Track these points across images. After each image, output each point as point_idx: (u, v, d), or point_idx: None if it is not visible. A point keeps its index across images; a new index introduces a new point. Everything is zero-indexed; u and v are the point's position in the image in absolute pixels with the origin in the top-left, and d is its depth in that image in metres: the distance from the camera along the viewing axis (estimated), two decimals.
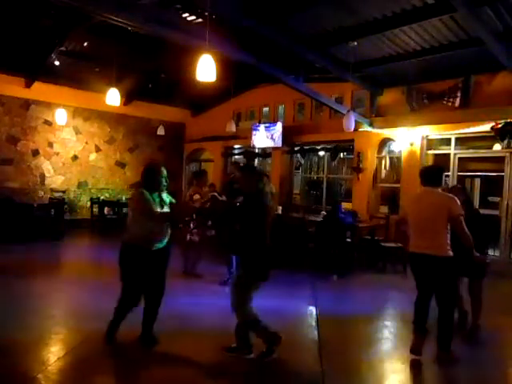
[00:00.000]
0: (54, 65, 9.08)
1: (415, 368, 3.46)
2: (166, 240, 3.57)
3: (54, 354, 3.44)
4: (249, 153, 11.47)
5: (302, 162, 10.96)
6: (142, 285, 3.51)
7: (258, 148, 10.92)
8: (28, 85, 9.96)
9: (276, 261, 3.51)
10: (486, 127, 6.95)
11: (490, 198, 7.78)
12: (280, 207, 9.05)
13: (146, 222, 3.41)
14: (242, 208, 3.47)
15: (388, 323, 4.59)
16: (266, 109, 11.26)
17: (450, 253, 3.51)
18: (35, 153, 10.42)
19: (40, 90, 10.06)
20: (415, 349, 3.56)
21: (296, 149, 10.50)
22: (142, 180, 3.55)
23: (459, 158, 7.66)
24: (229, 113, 11.61)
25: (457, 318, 4.10)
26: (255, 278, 3.34)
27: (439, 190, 3.67)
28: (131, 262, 3.45)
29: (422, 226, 3.61)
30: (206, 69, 4.62)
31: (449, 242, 3.53)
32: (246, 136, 10.84)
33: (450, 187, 4.97)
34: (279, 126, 10.08)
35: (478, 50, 6.23)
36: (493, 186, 7.65)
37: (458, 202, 3.53)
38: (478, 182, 8.22)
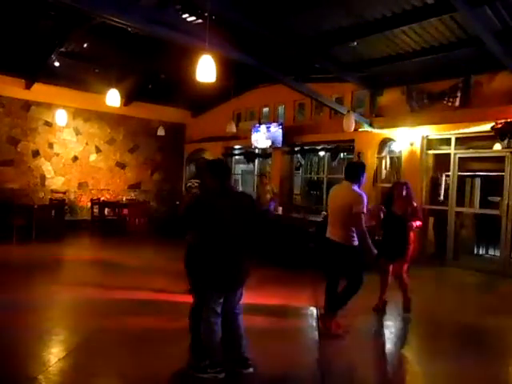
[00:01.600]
0: (54, 66, 9.08)
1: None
2: None
3: (55, 355, 3.44)
4: (249, 153, 11.48)
5: (303, 162, 10.96)
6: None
7: (259, 148, 10.92)
8: (28, 86, 9.96)
9: (239, 273, 2.96)
10: (486, 127, 6.95)
11: (491, 198, 7.78)
12: (280, 207, 9.05)
13: None
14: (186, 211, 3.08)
15: (389, 323, 4.59)
16: (266, 109, 11.26)
17: (354, 243, 3.90)
18: (35, 154, 10.43)
19: (40, 91, 10.07)
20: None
21: (296, 149, 10.50)
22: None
23: (459, 158, 7.65)
24: (229, 113, 11.63)
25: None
26: (209, 288, 2.94)
27: (352, 185, 3.94)
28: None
29: (333, 215, 4.05)
30: (205, 69, 4.62)
31: (353, 233, 3.88)
32: (246, 136, 10.84)
33: (393, 183, 5.29)
34: (279, 126, 10.08)
35: (477, 49, 6.23)
36: (493, 185, 7.65)
37: (364, 200, 3.80)
38: (478, 181, 8.22)
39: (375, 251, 3.92)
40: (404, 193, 4.62)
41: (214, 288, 2.93)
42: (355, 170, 4.07)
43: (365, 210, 3.82)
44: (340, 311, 4.06)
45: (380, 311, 4.75)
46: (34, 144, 10.39)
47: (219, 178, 2.88)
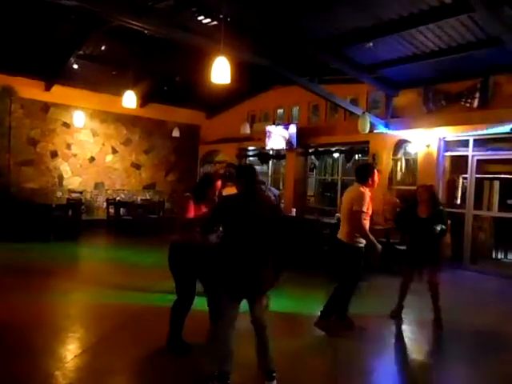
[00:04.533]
0: (73, 68, 9.28)
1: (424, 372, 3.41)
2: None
3: (71, 351, 3.51)
4: (263, 154, 11.49)
5: (317, 163, 10.92)
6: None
7: (273, 150, 10.92)
8: (48, 88, 10.20)
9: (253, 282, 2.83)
10: (505, 128, 6.80)
11: (510, 201, 7.61)
12: (294, 209, 9.03)
13: None
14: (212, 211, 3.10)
15: (405, 327, 4.52)
16: (280, 110, 11.26)
17: (358, 244, 3.96)
18: (54, 154, 10.65)
19: (59, 93, 10.29)
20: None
21: (310, 151, 10.46)
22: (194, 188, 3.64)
23: (477, 160, 7.51)
24: (243, 114, 11.66)
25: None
26: (226, 291, 2.87)
27: (361, 186, 4.03)
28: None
29: (342, 214, 4.19)
30: (220, 71, 4.65)
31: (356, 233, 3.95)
32: (260, 138, 10.85)
33: (417, 186, 5.16)
34: (293, 127, 10.06)
35: (496, 49, 6.10)
36: None
37: (364, 199, 3.90)
38: (497, 184, 8.04)
39: (379, 246, 3.95)
40: (427, 196, 4.46)
41: (226, 290, 2.86)
42: (363, 172, 4.15)
43: (364, 209, 3.92)
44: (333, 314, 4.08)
45: (396, 318, 4.62)
46: (53, 145, 10.61)
47: (245, 180, 2.90)
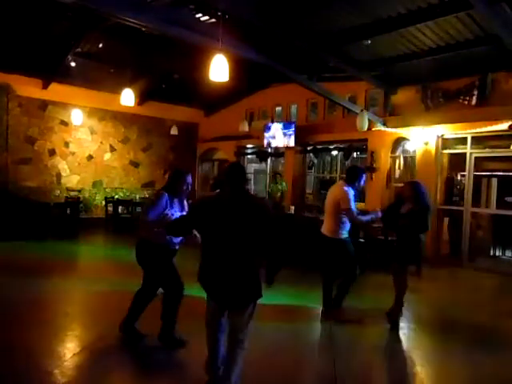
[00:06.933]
0: (70, 66, 9.24)
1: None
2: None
3: (70, 350, 3.51)
4: (261, 152, 11.48)
5: (315, 161, 10.92)
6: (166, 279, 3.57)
7: (271, 148, 10.92)
8: (45, 86, 10.16)
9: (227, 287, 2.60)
10: (503, 126, 6.81)
11: (508, 199, 7.63)
12: (292, 207, 9.04)
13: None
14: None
15: (401, 324, 4.53)
16: (278, 108, 11.25)
17: (341, 236, 4.28)
18: (52, 152, 10.62)
19: (57, 91, 10.26)
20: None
21: (309, 148, 10.46)
22: (166, 183, 3.60)
23: (475, 158, 7.52)
24: (241, 112, 11.65)
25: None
26: (208, 296, 2.71)
27: (345, 185, 4.29)
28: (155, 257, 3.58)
29: (326, 210, 4.43)
30: (219, 69, 4.64)
31: (340, 227, 4.26)
32: (258, 136, 10.84)
33: (404, 183, 5.31)
34: (292, 125, 10.05)
35: (495, 47, 6.11)
36: (510, 186, 7.49)
37: (349, 196, 4.16)
38: (494, 181, 8.07)
39: (377, 215, 4.28)
40: (410, 193, 4.19)
41: (210, 295, 2.69)
42: (352, 173, 4.41)
43: (352, 206, 4.18)
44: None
45: (396, 319, 4.39)
46: (51, 143, 10.58)
47: (230, 183, 2.63)
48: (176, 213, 3.45)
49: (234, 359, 2.58)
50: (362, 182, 4.48)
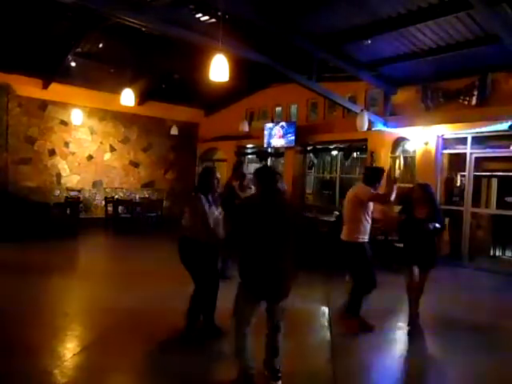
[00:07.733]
0: (70, 66, 9.24)
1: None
2: None
3: (70, 350, 3.51)
4: (261, 152, 11.48)
5: (315, 161, 10.91)
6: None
7: (271, 147, 10.91)
8: (45, 86, 10.15)
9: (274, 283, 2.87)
10: (503, 126, 6.81)
11: (508, 199, 7.62)
12: None
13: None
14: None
15: (401, 324, 4.53)
16: (278, 108, 11.24)
17: (359, 240, 4.03)
18: (52, 152, 10.62)
19: (57, 91, 10.25)
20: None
21: (309, 148, 10.46)
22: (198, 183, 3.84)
23: (476, 158, 7.52)
24: (241, 112, 11.65)
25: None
26: (247, 290, 2.87)
27: (364, 185, 4.10)
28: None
29: (344, 219, 4.22)
30: (219, 69, 4.64)
31: (359, 230, 4.03)
32: (258, 135, 10.84)
33: (414, 184, 5.27)
34: (292, 125, 10.05)
35: (495, 47, 6.10)
36: (510, 186, 7.49)
37: (369, 190, 3.99)
38: (495, 182, 8.06)
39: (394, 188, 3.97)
40: (421, 195, 4.22)
41: (249, 290, 2.86)
42: (373, 175, 4.18)
43: (372, 192, 4.02)
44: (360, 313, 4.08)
45: (415, 327, 4.24)
46: (51, 143, 10.58)
47: (261, 184, 2.92)
48: (213, 209, 3.69)
49: (278, 344, 2.95)
50: (381, 183, 4.21)
